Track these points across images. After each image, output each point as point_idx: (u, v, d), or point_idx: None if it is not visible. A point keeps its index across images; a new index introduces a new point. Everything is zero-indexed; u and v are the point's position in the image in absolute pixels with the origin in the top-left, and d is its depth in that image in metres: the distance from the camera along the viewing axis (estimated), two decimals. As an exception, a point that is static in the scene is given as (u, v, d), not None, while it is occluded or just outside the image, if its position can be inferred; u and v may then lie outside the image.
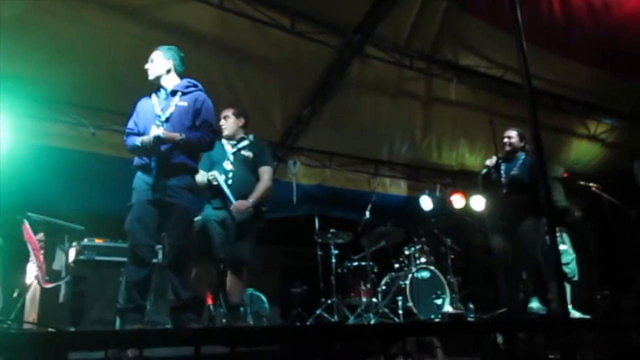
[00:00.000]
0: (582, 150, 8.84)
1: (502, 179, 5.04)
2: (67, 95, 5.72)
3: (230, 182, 4.23)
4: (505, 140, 5.19)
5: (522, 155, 5.13)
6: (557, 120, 7.92)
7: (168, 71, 3.67)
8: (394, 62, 6.49)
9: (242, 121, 4.49)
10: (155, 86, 3.75)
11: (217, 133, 3.90)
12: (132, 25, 5.29)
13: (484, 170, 5.17)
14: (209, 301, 5.10)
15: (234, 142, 4.43)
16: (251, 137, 4.51)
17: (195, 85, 3.71)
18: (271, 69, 6.26)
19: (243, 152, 4.38)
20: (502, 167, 5.12)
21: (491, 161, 5.09)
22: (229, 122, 4.45)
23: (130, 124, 3.67)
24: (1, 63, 4.78)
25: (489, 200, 5.85)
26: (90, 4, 5.06)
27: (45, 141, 5.79)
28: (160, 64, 3.66)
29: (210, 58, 5.76)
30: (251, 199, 4.19)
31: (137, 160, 3.55)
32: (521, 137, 5.15)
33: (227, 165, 4.27)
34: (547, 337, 3.76)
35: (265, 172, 4.42)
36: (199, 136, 3.55)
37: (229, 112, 4.47)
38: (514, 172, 5.03)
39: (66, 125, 5.89)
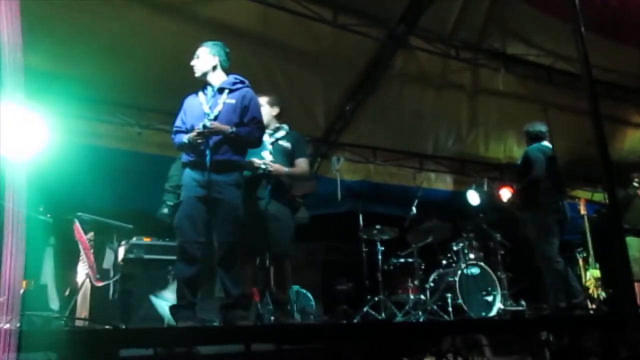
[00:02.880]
0: (637, 140, 8.45)
1: None
2: (113, 95, 5.81)
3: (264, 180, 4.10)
4: None
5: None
6: (610, 108, 7.57)
7: (214, 67, 3.63)
8: (439, 52, 6.35)
9: (275, 110, 4.27)
10: (199, 83, 3.72)
11: (264, 129, 3.84)
12: (173, 23, 5.32)
13: None
14: (256, 297, 5.09)
15: (270, 131, 4.23)
16: (286, 126, 4.35)
17: (242, 82, 3.66)
18: (313, 63, 6.21)
19: (281, 142, 4.22)
20: None
21: None
22: (263, 112, 4.28)
23: (178, 122, 3.65)
24: (48, 63, 4.87)
25: None
26: (130, 1, 5.10)
27: (93, 141, 5.91)
28: (207, 60, 3.62)
29: (251, 53, 5.73)
30: (287, 169, 4.08)
31: (185, 157, 3.53)
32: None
33: (267, 155, 4.07)
34: (603, 336, 3.58)
35: (303, 163, 4.28)
36: (249, 131, 3.50)
37: (262, 101, 4.21)
38: None
39: (113, 125, 5.99)
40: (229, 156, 3.45)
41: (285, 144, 4.24)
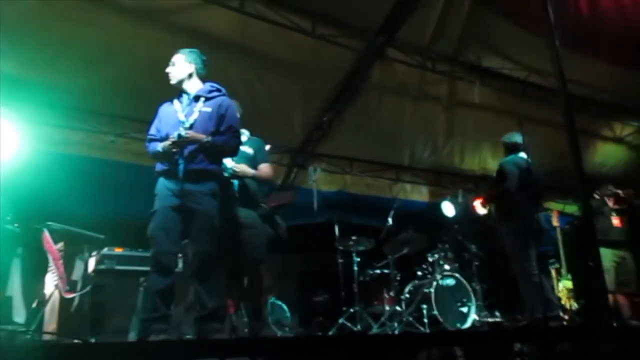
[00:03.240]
0: (607, 153, 8.64)
1: None
2: (85, 102, 5.69)
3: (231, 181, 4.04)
4: None
5: None
6: (583, 122, 7.72)
7: (190, 75, 3.58)
8: (417, 64, 6.39)
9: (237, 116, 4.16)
10: (175, 91, 3.66)
11: (241, 138, 3.78)
12: (150, 30, 5.24)
13: None
14: (230, 310, 5.00)
15: None
16: (247, 132, 4.31)
17: (218, 90, 3.62)
18: (292, 73, 6.18)
19: (242, 148, 4.09)
20: None
21: None
22: None
23: (152, 130, 3.58)
24: (18, 69, 4.75)
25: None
26: (107, 8, 5.01)
27: (64, 149, 5.78)
28: (182, 67, 3.57)
29: (230, 62, 5.68)
30: (253, 171, 4.05)
31: (159, 166, 3.45)
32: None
33: (228, 162, 3.99)
34: (577, 347, 3.62)
35: (267, 167, 4.23)
36: (225, 140, 3.45)
37: None
38: None
39: (85, 133, 5.86)
40: (205, 165, 3.39)
41: (247, 149, 4.19)
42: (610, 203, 6.18)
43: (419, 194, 8.44)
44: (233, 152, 3.62)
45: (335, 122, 6.92)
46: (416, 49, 6.27)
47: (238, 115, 4.04)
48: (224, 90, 3.65)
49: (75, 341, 3.32)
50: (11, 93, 4.87)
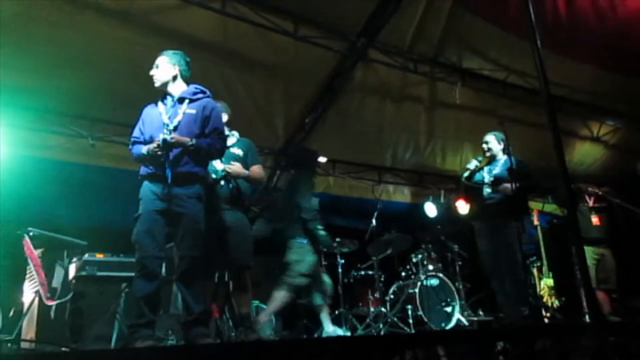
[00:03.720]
0: (585, 152, 8.76)
1: (486, 180, 5.12)
2: (65, 106, 5.58)
3: (222, 182, 4.02)
4: (484, 146, 5.30)
5: (503, 157, 5.18)
6: (560, 121, 7.77)
7: (175, 77, 3.54)
8: (398, 66, 6.39)
9: (225, 117, 4.12)
10: (157, 94, 3.61)
11: (226, 140, 3.75)
12: (130, 32, 5.15)
13: (466, 174, 5.19)
14: (215, 314, 4.95)
15: None
16: (236, 133, 4.30)
17: (203, 92, 3.58)
18: (273, 74, 6.14)
19: (232, 150, 4.14)
20: (485, 169, 5.23)
21: (472, 164, 5.18)
22: None
23: (136, 132, 3.53)
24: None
25: (473, 204, 5.75)
26: (87, 10, 4.89)
27: (44, 153, 5.67)
28: (166, 69, 3.52)
29: (211, 64, 5.63)
30: (247, 171, 4.05)
31: (143, 170, 3.40)
32: (499, 140, 5.23)
33: (218, 165, 3.98)
34: (560, 344, 3.66)
35: (258, 169, 4.24)
36: (210, 142, 3.41)
37: None
38: (497, 171, 5.12)
39: (64, 137, 5.75)
40: (190, 168, 3.35)
41: (237, 150, 4.17)
42: (590, 202, 6.29)
43: (402, 195, 8.46)
44: (218, 154, 3.59)
45: (318, 124, 6.89)
46: (397, 50, 6.28)
47: (225, 117, 4.02)
48: (208, 92, 3.62)
49: (56, 349, 3.24)
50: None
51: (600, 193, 6.28)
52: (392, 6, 5.62)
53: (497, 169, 5.13)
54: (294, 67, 6.13)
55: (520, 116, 7.27)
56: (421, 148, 7.74)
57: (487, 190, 5.09)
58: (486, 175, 5.16)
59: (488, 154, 5.27)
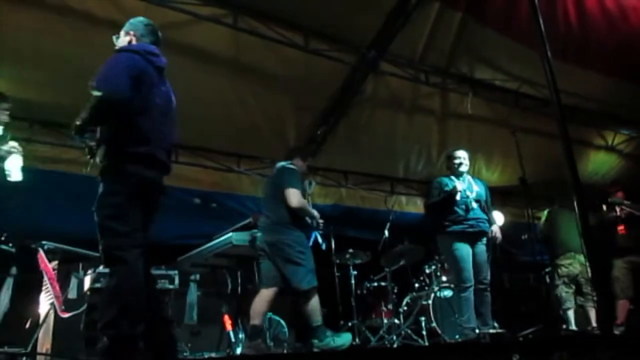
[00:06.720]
0: (599, 162, 8.68)
1: (468, 198, 5.06)
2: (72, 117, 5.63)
3: None
4: (462, 161, 5.27)
5: (466, 175, 5.27)
6: (574, 131, 7.64)
7: (130, 43, 3.20)
8: (409, 77, 6.40)
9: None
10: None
11: None
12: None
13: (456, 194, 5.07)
14: (228, 327, 4.96)
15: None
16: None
17: None
18: (285, 87, 6.18)
19: None
20: (460, 186, 5.16)
21: (461, 184, 5.14)
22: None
23: None
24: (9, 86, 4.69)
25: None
26: (99, 26, 4.91)
27: (56, 167, 5.74)
28: (122, 40, 3.23)
29: (223, 78, 5.69)
30: None
31: None
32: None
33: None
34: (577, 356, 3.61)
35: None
36: None
37: None
38: (477, 189, 5.17)
39: (77, 150, 5.80)
40: None
41: None
42: (618, 212, 6.24)
43: (414, 206, 8.44)
44: None
45: (329, 136, 6.93)
46: (409, 62, 6.30)
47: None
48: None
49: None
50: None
51: (627, 203, 6.22)
52: (402, 18, 5.65)
53: (475, 187, 5.18)
54: (305, 80, 6.17)
55: (533, 126, 7.23)
56: (433, 159, 7.72)
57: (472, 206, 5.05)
58: (470, 194, 5.09)
59: (464, 169, 5.25)
